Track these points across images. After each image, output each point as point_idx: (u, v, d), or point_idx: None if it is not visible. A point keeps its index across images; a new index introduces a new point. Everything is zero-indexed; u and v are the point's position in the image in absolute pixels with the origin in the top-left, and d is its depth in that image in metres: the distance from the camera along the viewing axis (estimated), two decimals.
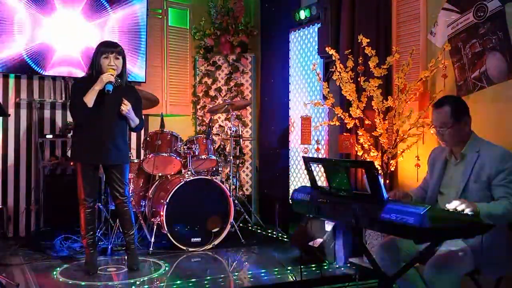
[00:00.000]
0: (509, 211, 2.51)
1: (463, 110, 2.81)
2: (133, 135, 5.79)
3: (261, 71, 6.27)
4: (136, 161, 5.03)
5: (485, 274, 2.65)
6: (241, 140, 5.67)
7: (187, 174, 4.79)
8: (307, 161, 2.84)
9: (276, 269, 4.03)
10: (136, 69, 5.68)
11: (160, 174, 5.10)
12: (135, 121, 3.93)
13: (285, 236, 5.18)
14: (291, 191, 5.34)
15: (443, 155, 2.92)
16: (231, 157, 5.47)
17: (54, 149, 5.48)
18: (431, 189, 2.94)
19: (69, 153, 5.47)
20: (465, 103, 2.86)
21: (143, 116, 4.14)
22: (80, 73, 5.42)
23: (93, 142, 3.83)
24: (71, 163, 5.18)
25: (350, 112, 4.01)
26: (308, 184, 2.91)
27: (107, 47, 3.85)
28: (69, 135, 5.25)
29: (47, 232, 4.89)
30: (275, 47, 5.98)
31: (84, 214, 3.88)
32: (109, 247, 4.51)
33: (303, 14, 5.17)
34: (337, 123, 4.17)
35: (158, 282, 3.72)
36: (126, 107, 3.81)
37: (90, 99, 3.72)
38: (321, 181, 4.52)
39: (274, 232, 5.34)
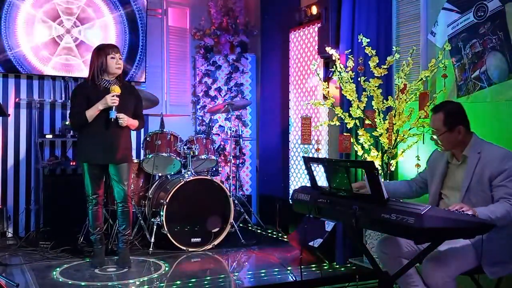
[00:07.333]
0: (509, 213, 2.51)
1: (457, 118, 2.77)
2: (133, 135, 5.78)
3: (261, 71, 6.27)
4: (136, 161, 5.03)
5: (486, 274, 2.64)
6: (241, 140, 5.67)
7: (187, 174, 4.79)
8: (307, 161, 2.84)
9: (276, 269, 4.03)
10: (136, 69, 5.68)
11: (160, 174, 5.10)
12: (135, 125, 4.09)
13: (285, 236, 5.18)
14: (291, 191, 5.34)
15: (444, 157, 2.91)
16: (231, 157, 5.47)
17: (54, 149, 5.47)
18: (433, 191, 2.93)
19: (69, 153, 5.47)
20: (462, 109, 2.82)
21: (143, 115, 4.23)
22: (80, 74, 5.41)
23: (98, 143, 3.93)
24: (72, 163, 5.19)
25: (350, 112, 4.02)
26: (308, 184, 2.91)
27: (112, 48, 3.99)
28: (69, 135, 5.25)
29: (47, 232, 4.89)
30: (275, 47, 5.97)
31: (91, 211, 4.05)
32: (109, 247, 4.51)
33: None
34: (337, 123, 4.17)
35: (158, 282, 3.72)
36: (124, 120, 3.94)
37: (91, 115, 3.87)
38: (321, 181, 4.50)
39: (274, 232, 5.34)
